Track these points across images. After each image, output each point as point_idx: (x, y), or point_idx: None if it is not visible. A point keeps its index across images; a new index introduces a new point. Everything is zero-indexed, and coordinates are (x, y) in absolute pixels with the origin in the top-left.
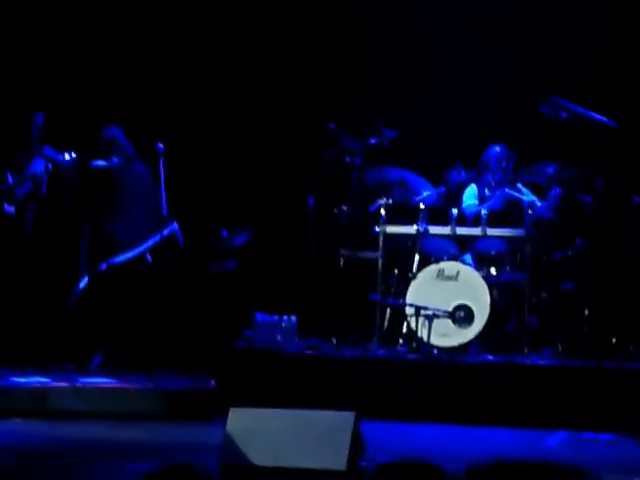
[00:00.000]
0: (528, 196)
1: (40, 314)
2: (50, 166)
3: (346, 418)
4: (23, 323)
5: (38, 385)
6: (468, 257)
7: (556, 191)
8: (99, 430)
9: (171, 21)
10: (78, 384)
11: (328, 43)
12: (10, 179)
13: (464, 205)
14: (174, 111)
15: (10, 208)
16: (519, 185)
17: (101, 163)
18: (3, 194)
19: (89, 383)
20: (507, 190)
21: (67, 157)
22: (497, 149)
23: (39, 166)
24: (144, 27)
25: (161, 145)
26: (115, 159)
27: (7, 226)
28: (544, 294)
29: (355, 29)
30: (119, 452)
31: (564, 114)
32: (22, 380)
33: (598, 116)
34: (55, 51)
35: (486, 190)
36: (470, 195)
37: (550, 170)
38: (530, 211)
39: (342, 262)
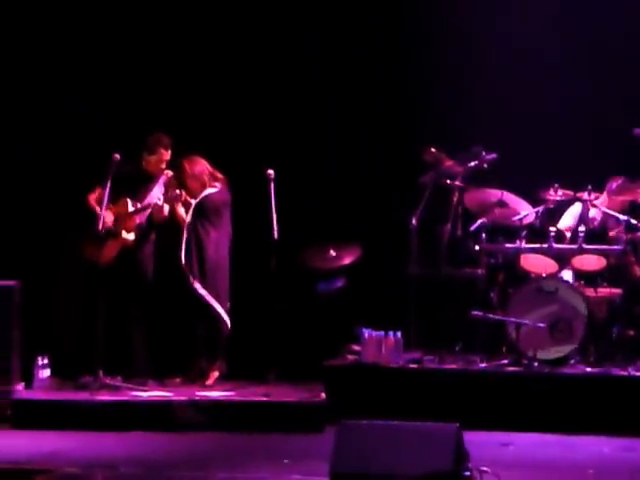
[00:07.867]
0: (623, 215)
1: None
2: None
3: (450, 429)
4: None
5: (159, 399)
6: (567, 273)
7: None
8: (215, 441)
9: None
10: (196, 397)
11: (431, 71)
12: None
13: (561, 224)
14: (280, 136)
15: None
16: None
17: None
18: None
19: (206, 397)
20: (604, 209)
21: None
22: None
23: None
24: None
25: (271, 171)
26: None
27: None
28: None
29: (456, 55)
30: (235, 463)
31: None
32: (144, 394)
33: None
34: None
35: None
36: (570, 213)
37: None
38: (626, 228)
39: (444, 279)
